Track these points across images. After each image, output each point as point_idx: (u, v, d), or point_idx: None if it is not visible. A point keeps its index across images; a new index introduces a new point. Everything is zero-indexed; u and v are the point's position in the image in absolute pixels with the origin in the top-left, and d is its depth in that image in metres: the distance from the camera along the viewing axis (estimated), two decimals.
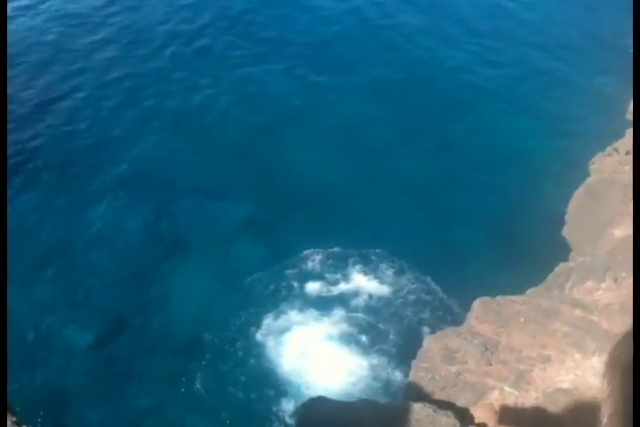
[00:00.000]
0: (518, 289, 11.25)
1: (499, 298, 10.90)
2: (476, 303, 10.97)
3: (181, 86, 25.66)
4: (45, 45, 28.43)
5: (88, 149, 22.26)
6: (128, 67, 26.85)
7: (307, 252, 17.80)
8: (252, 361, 15.30)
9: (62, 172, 21.34)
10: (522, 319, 10.32)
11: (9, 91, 23.03)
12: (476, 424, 9.59)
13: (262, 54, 27.29)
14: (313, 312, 16.06)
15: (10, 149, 21.55)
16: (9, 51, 26.88)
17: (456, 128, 22.54)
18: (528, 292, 11.00)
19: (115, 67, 26.88)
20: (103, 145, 22.57)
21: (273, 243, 18.25)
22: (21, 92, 25.09)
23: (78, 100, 24.91)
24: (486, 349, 10.35)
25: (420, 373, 10.63)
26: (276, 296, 16.67)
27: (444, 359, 10.46)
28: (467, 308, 11.18)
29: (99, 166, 21.53)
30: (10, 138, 21.56)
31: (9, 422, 7.10)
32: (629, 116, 13.51)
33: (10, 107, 23.43)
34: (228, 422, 13.90)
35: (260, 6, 30.80)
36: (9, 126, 22.50)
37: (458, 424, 9.29)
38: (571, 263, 11.68)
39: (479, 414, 9.81)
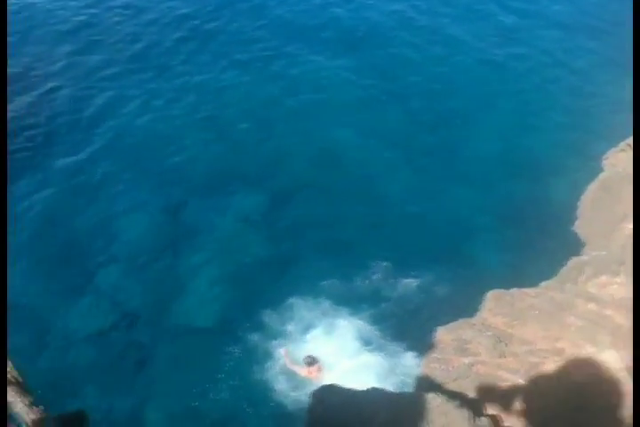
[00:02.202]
0: (531, 282, 11.24)
1: (512, 290, 10.92)
2: (490, 295, 10.99)
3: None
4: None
5: (104, 137, 22.41)
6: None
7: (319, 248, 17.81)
8: (262, 348, 15.41)
9: (75, 159, 21.44)
10: (535, 312, 10.34)
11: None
12: (487, 416, 9.62)
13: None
14: (326, 304, 16.07)
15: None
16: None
17: (463, 118, 22.55)
18: (541, 285, 10.99)
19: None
20: (119, 134, 22.74)
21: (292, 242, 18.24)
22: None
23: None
24: (499, 341, 10.37)
25: (432, 364, 10.68)
26: (287, 289, 16.58)
27: (456, 351, 10.50)
28: (479, 300, 11.18)
29: (115, 156, 21.68)
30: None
31: (22, 404, 7.19)
32: None
33: None
34: (238, 406, 13.99)
35: None
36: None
37: (470, 415, 9.33)
38: (584, 257, 11.63)
39: (490, 406, 9.84)
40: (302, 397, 13.50)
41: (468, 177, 19.96)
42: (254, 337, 15.54)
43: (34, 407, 7.21)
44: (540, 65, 25.71)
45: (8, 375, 7.30)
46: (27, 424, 7.30)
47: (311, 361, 14.34)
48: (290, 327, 15.66)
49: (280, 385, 14.35)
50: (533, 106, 23.27)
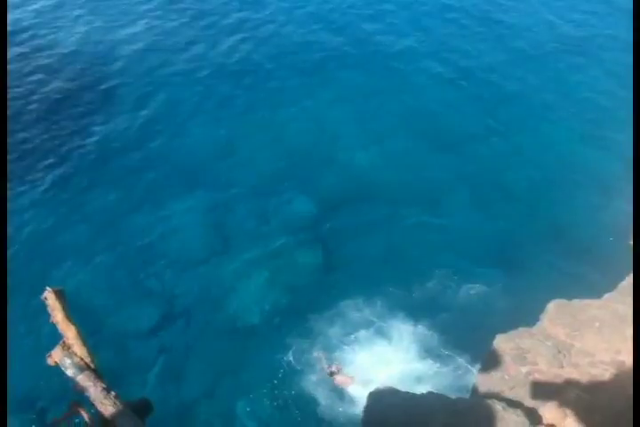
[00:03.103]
0: (593, 294, 11.17)
1: (574, 301, 10.90)
2: (551, 305, 10.99)
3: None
4: None
5: (147, 139, 23.13)
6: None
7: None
8: (310, 350, 15.51)
9: (119, 161, 22.20)
10: (597, 324, 10.30)
11: None
12: (544, 425, 9.62)
13: None
14: (380, 310, 16.11)
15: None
16: None
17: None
18: (604, 297, 10.93)
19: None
20: (158, 136, 23.36)
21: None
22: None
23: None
24: (559, 351, 10.36)
25: (489, 371, 10.74)
26: (339, 293, 16.75)
27: (514, 359, 10.53)
28: (540, 310, 11.17)
29: (155, 157, 22.26)
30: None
31: (100, 388, 7.59)
32: None
33: None
34: (289, 410, 14.18)
35: None
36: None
37: (527, 423, 9.36)
38: None
39: (548, 416, 9.80)
40: (355, 398, 13.63)
41: (523, 185, 19.80)
42: (303, 340, 15.67)
43: (111, 392, 7.64)
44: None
45: (82, 361, 7.74)
46: (98, 410, 7.71)
47: (334, 371, 14.49)
48: (340, 331, 15.75)
49: (328, 387, 14.46)
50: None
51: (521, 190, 19.87)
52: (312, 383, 14.63)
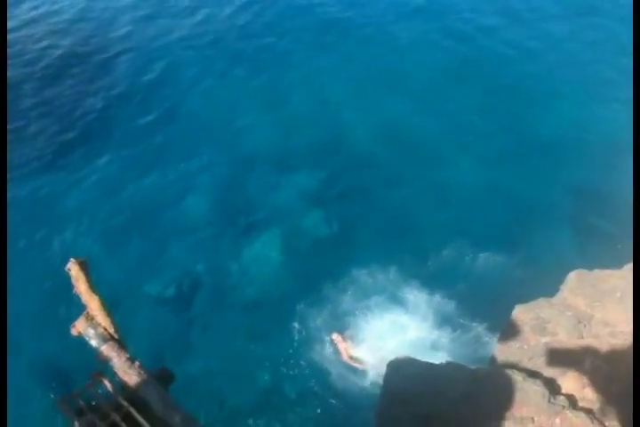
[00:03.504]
0: (614, 264, 11.05)
1: (595, 271, 10.80)
2: (572, 275, 10.90)
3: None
4: None
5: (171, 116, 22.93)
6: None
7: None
8: (323, 315, 15.53)
9: (126, 126, 22.18)
10: (618, 294, 10.21)
11: None
12: (563, 394, 9.64)
13: None
14: (392, 277, 16.07)
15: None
16: None
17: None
18: (625, 267, 10.81)
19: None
20: (164, 101, 23.25)
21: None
22: None
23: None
24: (579, 321, 10.31)
25: (508, 341, 10.73)
26: (352, 263, 16.67)
27: (534, 329, 10.50)
28: (560, 280, 11.09)
29: (162, 122, 22.25)
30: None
31: (124, 358, 7.64)
32: None
33: None
34: (305, 380, 14.27)
35: None
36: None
37: (546, 393, 9.38)
38: None
39: (567, 385, 9.83)
40: (373, 367, 13.67)
41: (544, 155, 19.48)
42: (317, 308, 15.63)
43: (135, 362, 7.68)
44: None
45: (106, 332, 7.77)
46: (120, 379, 7.76)
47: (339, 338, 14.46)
48: (355, 298, 15.68)
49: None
50: None
51: (537, 152, 19.50)
52: (327, 352, 14.67)
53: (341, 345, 14.30)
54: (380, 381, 13.56)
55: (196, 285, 16.98)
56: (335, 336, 14.45)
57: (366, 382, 13.74)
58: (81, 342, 7.43)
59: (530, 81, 22.87)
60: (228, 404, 14.07)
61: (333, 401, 13.71)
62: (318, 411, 13.62)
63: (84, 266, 6.91)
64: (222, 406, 14.00)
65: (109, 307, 7.31)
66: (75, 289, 7.15)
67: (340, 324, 15.09)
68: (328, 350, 14.65)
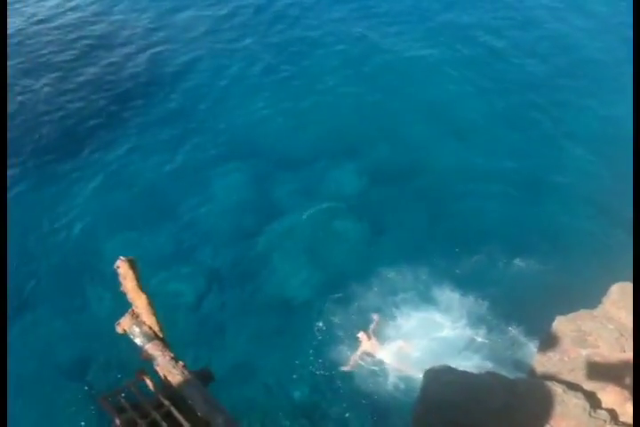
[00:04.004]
0: None
1: None
2: (615, 288, 10.69)
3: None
4: None
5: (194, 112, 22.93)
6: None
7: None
8: (354, 320, 15.28)
9: (162, 125, 22.09)
10: None
11: None
12: (604, 409, 9.48)
13: None
14: (423, 278, 15.85)
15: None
16: None
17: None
18: None
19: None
20: (202, 100, 23.22)
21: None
22: None
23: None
24: (621, 335, 10.11)
25: (548, 352, 10.55)
26: (378, 262, 16.48)
27: (574, 341, 10.31)
28: (602, 292, 10.87)
29: (198, 123, 22.14)
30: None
31: (168, 358, 7.58)
32: None
33: None
34: (333, 379, 14.16)
35: None
36: None
37: (587, 406, 9.22)
38: None
39: (608, 399, 9.67)
40: (411, 376, 13.44)
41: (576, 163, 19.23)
42: (346, 306, 15.41)
43: (179, 362, 7.63)
44: None
45: (151, 330, 7.72)
46: (164, 377, 7.72)
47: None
48: (387, 297, 15.41)
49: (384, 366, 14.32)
50: None
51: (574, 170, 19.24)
52: (352, 353, 14.53)
53: (366, 344, 14.22)
54: (403, 385, 13.51)
55: (222, 285, 16.87)
56: (361, 335, 14.35)
57: (393, 386, 13.58)
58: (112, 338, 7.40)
59: None
60: (257, 405, 13.96)
61: (363, 403, 13.54)
62: (347, 415, 13.46)
63: (132, 264, 6.89)
64: (250, 407, 13.89)
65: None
66: (122, 287, 7.12)
67: (367, 322, 14.90)
68: (353, 350, 14.49)
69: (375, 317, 14.88)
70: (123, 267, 6.90)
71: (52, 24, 28.76)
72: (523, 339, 13.73)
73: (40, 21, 29.14)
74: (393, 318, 15.13)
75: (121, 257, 6.86)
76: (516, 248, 16.17)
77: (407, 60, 24.66)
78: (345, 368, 14.14)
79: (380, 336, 14.53)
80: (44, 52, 26.48)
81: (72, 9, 30.08)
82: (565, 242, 16.43)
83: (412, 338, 14.43)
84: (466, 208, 17.98)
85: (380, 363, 14.13)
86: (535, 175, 19.00)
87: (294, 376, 14.28)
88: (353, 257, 17.03)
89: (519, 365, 12.74)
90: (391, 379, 13.79)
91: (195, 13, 29.00)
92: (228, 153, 20.64)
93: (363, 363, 14.11)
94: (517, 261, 15.87)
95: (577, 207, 17.79)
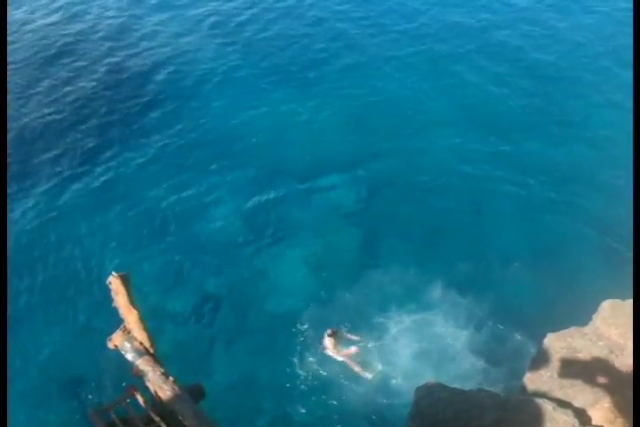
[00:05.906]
0: None
1: (629, 301, 10.65)
2: (605, 305, 10.77)
3: None
4: None
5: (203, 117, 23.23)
6: None
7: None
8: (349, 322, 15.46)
9: (171, 139, 22.23)
10: None
11: None
12: (594, 426, 9.51)
13: None
14: (423, 308, 15.85)
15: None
16: None
17: None
18: None
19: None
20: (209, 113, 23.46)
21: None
22: None
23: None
24: (611, 351, 10.18)
25: (538, 369, 10.60)
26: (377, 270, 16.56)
27: (565, 358, 10.36)
28: (592, 309, 10.95)
29: (206, 135, 22.38)
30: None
31: (159, 373, 7.62)
32: None
33: None
34: (330, 390, 14.14)
35: None
36: None
37: (577, 423, 9.25)
38: None
39: (598, 416, 9.69)
40: (402, 392, 13.44)
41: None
42: (344, 314, 15.46)
43: (169, 378, 7.67)
44: None
45: (142, 346, 7.77)
46: (155, 393, 7.75)
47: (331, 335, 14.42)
48: (384, 302, 15.52)
49: (375, 381, 14.30)
50: None
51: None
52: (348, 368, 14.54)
53: (327, 340, 14.48)
54: (396, 400, 13.49)
55: (218, 299, 16.89)
56: (329, 331, 14.56)
57: (386, 402, 13.58)
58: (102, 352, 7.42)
59: None
60: (249, 419, 13.93)
61: (355, 418, 13.54)
62: None
63: (125, 280, 6.96)
64: (247, 422, 13.86)
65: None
66: (114, 302, 7.18)
67: (365, 331, 15.08)
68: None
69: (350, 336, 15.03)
70: (115, 283, 6.97)
71: (71, 26, 29.62)
72: (517, 358, 13.66)
73: (33, 21, 30.12)
74: (394, 320, 15.25)
75: (113, 273, 6.93)
76: (510, 260, 16.32)
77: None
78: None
79: (342, 336, 14.83)
80: (40, 53, 27.22)
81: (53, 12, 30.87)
82: (559, 256, 16.50)
83: (399, 342, 14.60)
84: (462, 218, 18.18)
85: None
86: (536, 193, 19.15)
87: (287, 385, 14.28)
88: (350, 267, 17.11)
89: (513, 385, 12.69)
90: (383, 395, 13.81)
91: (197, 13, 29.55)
92: (231, 164, 20.88)
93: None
94: (510, 273, 15.97)
95: (575, 222, 17.87)
